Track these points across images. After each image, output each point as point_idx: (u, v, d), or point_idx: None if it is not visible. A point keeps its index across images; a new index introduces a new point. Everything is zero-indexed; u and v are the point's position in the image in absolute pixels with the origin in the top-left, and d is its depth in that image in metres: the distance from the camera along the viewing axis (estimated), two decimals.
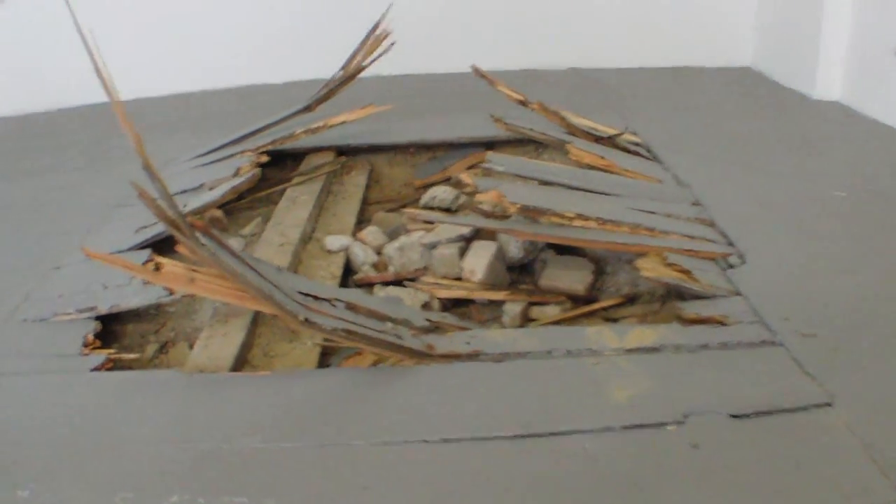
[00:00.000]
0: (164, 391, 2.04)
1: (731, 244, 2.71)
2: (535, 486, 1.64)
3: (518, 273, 3.03)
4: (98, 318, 2.44)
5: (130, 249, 2.77)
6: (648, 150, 3.58)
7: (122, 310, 2.45)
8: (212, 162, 3.46)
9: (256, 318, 2.44)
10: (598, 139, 3.45)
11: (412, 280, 2.85)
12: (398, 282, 2.86)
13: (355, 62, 3.52)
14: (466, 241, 2.97)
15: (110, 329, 2.53)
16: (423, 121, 4.11)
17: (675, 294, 2.63)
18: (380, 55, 3.49)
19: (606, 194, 2.92)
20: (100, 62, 1.69)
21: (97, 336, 2.37)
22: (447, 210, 3.64)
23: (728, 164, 3.48)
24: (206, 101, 4.96)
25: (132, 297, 2.44)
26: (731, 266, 2.59)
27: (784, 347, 2.10)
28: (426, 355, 2.06)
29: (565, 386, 1.99)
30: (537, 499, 1.61)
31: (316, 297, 2.07)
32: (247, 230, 3.12)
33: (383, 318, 2.15)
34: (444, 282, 2.81)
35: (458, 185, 3.77)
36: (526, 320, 2.77)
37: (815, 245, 2.69)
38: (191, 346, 2.51)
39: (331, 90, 3.55)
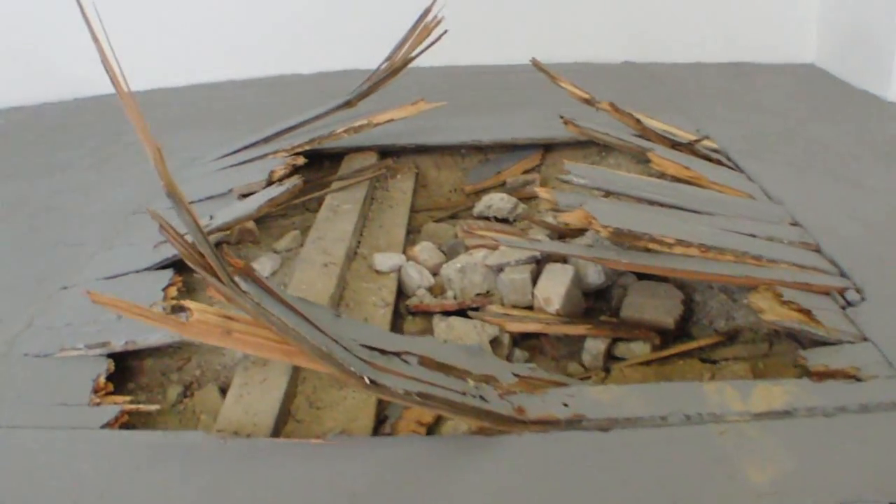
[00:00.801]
0: (191, 461, 1.62)
1: (843, 275, 2.27)
2: None
3: (594, 300, 2.59)
4: (111, 355, 2.02)
5: (148, 269, 2.34)
6: (728, 158, 3.12)
7: (140, 347, 2.03)
8: (241, 162, 3.02)
9: None
10: (675, 145, 2.99)
11: (476, 309, 2.41)
12: (461, 311, 2.42)
13: (402, 52, 3.07)
14: (537, 263, 2.52)
15: (125, 364, 2.12)
16: (473, 119, 3.64)
17: (785, 334, 2.20)
18: (430, 45, 3.03)
19: (699, 213, 2.46)
20: (106, 48, 1.26)
21: (110, 377, 1.95)
22: (505, 220, 3.20)
23: (816, 174, 3.03)
24: (232, 93, 4.50)
25: (152, 331, 2.01)
26: (849, 303, 2.15)
27: None
28: (517, 422, 1.62)
29: (690, 465, 1.57)
30: None
31: (383, 351, 1.63)
32: (282, 244, 2.68)
33: (463, 374, 1.70)
34: (515, 312, 2.36)
35: (516, 191, 3.33)
36: (609, 358, 2.34)
37: None
38: (221, 390, 2.09)
39: (375, 84, 3.10)
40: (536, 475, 1.55)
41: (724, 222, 2.43)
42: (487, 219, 3.21)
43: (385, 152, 3.36)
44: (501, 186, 3.44)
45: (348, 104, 3.14)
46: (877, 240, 2.50)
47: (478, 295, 2.56)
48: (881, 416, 1.71)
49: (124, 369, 2.10)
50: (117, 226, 2.72)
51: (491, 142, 3.41)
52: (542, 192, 2.33)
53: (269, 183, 2.75)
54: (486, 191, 3.43)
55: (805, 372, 1.89)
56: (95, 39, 1.27)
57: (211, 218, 2.47)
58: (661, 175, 2.76)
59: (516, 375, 1.79)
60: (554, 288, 2.41)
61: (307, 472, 1.57)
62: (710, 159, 3.02)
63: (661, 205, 2.46)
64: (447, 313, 2.41)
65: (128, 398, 1.91)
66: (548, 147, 3.52)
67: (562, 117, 2.99)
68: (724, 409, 1.71)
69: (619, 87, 4.14)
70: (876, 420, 1.71)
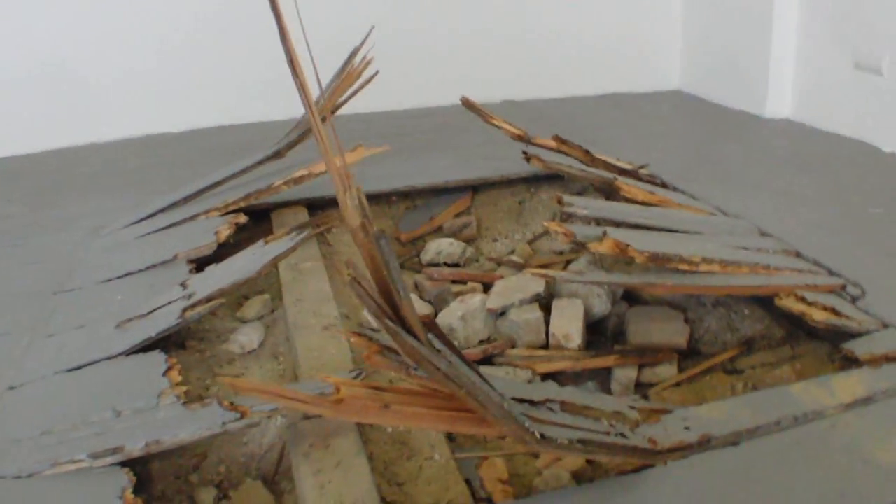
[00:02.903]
0: None
1: (832, 273, 2.57)
2: None
3: (590, 332, 2.68)
4: (125, 463, 1.77)
5: (124, 353, 2.08)
6: (662, 182, 3.40)
7: (165, 448, 1.79)
8: (167, 226, 2.78)
9: (362, 433, 1.90)
10: (622, 172, 3.21)
11: (497, 355, 2.41)
12: (486, 359, 2.40)
13: (331, 97, 3.02)
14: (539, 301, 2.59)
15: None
16: (397, 164, 3.65)
17: (806, 334, 2.44)
18: (361, 87, 3.02)
19: (688, 232, 2.67)
20: None
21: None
22: (456, 265, 3.24)
23: (745, 189, 3.38)
24: (102, 156, 4.16)
25: (177, 425, 1.78)
26: (853, 298, 2.43)
27: None
28: (657, 453, 1.65)
29: (824, 459, 1.69)
30: None
31: (532, 402, 1.59)
32: (250, 312, 2.50)
33: (598, 414, 1.71)
34: (540, 353, 2.40)
35: (457, 235, 3.38)
36: (636, 386, 2.44)
37: None
38: (266, 482, 1.90)
39: (304, 132, 3.02)
40: (696, 498, 1.59)
41: (718, 239, 2.65)
42: (438, 265, 3.23)
43: (312, 206, 3.27)
44: (438, 231, 3.48)
45: (277, 154, 3.03)
46: (842, 240, 2.83)
47: (480, 342, 2.57)
48: None
49: None
50: (42, 309, 2.39)
51: (425, 186, 3.44)
52: (554, 227, 2.40)
53: (219, 244, 2.58)
54: (421, 238, 3.45)
55: (852, 362, 2.11)
56: None
57: (184, 288, 2.25)
58: (630, 202, 2.95)
59: (633, 408, 1.82)
60: (571, 323, 2.48)
61: None
62: (654, 184, 3.27)
63: (656, 229, 2.63)
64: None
65: None
66: (475, 188, 3.62)
67: (524, 153, 3.10)
68: (821, 405, 1.86)
69: (521, 124, 4.36)
70: None
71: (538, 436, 1.43)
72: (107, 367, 2.03)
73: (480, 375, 1.39)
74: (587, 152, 3.16)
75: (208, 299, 2.14)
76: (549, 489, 1.78)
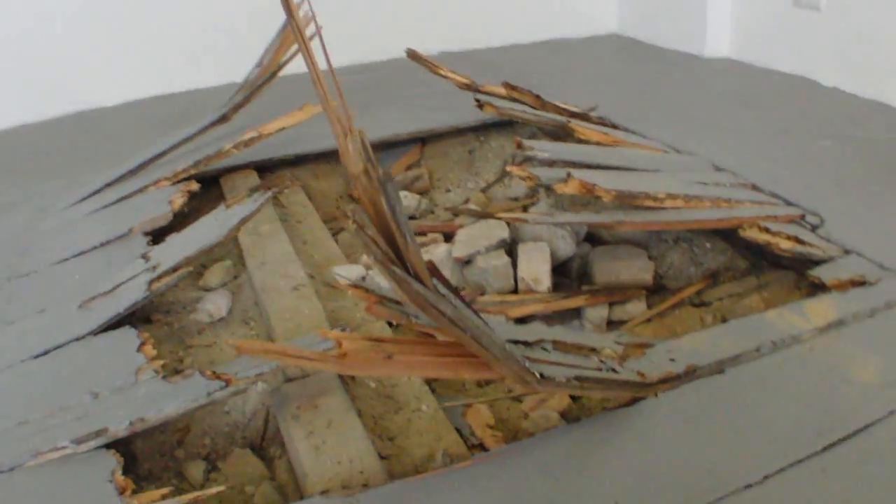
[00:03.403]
0: None
1: (789, 204, 2.65)
2: None
3: (555, 275, 2.72)
4: (111, 445, 1.73)
5: (93, 333, 2.02)
6: (612, 124, 3.44)
7: (151, 425, 1.75)
8: (116, 201, 2.70)
9: (347, 390, 1.90)
10: (573, 115, 3.23)
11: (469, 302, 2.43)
12: None
13: (273, 57, 2.96)
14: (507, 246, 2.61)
15: None
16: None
17: (770, 264, 2.53)
18: (305, 44, 2.95)
19: (648, 171, 2.71)
20: None
21: None
22: (413, 217, 3.24)
23: (695, 127, 3.45)
24: (33, 137, 3.97)
25: (165, 401, 1.75)
26: (813, 226, 2.52)
27: None
28: (648, 386, 1.70)
29: (808, 380, 1.79)
30: None
31: (526, 343, 1.61)
32: (213, 279, 2.45)
33: (589, 351, 1.74)
34: (512, 298, 2.43)
35: (409, 187, 3.38)
36: (608, 324, 2.49)
37: (875, 185, 2.75)
38: (254, 449, 1.89)
39: (250, 94, 2.94)
40: (690, 426, 1.64)
41: (677, 176, 2.71)
42: None
43: (261, 168, 3.20)
44: None
45: (223, 118, 2.95)
46: (795, 172, 2.91)
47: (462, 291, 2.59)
48: None
49: None
50: None
51: (375, 141, 3.39)
52: (517, 171, 2.42)
53: (174, 214, 2.52)
54: None
55: (818, 288, 2.20)
56: None
57: (147, 260, 2.19)
58: (586, 143, 2.98)
59: (619, 344, 1.87)
60: (539, 266, 2.52)
61: (483, 495, 1.51)
62: (605, 125, 3.31)
63: (617, 168, 2.67)
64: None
65: (165, 491, 1.64)
66: (423, 140, 3.61)
67: (477, 100, 3.09)
68: (797, 330, 1.94)
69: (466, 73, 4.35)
70: None
71: (538, 376, 1.45)
72: (76, 349, 1.97)
73: (482, 319, 1.40)
74: (538, 97, 3.17)
75: (174, 269, 2.09)
76: (539, 430, 1.82)
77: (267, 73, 2.93)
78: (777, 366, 1.83)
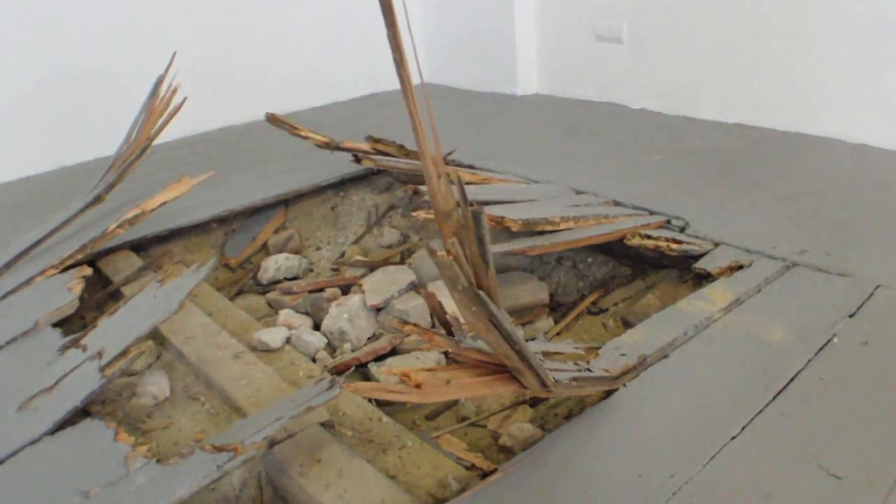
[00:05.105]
0: None
1: (652, 213, 3.07)
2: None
3: None
4: None
5: (49, 433, 1.95)
6: (469, 164, 3.76)
7: None
8: (6, 295, 2.57)
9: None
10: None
11: (398, 345, 2.60)
12: (393, 352, 2.57)
13: (143, 130, 2.98)
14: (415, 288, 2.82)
15: None
16: (209, 190, 3.60)
17: (651, 266, 2.92)
18: (172, 115, 3.00)
19: (527, 201, 3.04)
20: None
21: None
22: (295, 278, 3.36)
23: (534, 158, 3.84)
24: None
25: (165, 485, 1.75)
26: (681, 228, 2.94)
27: (801, 266, 2.58)
28: (616, 379, 1.98)
29: (737, 351, 2.13)
30: None
31: None
32: (140, 363, 2.43)
33: (564, 357, 1.99)
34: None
35: (284, 250, 3.48)
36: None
37: (713, 185, 3.26)
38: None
39: (123, 171, 2.93)
40: (662, 402, 1.93)
41: (553, 202, 3.05)
42: (279, 281, 3.31)
43: (136, 247, 3.17)
44: (263, 250, 3.54)
45: (98, 200, 2.91)
46: (642, 185, 3.35)
47: (369, 339, 2.75)
48: (777, 281, 2.52)
49: None
50: None
51: (242, 207, 3.47)
52: (423, 215, 2.63)
53: (80, 300, 2.48)
54: (248, 260, 3.50)
55: (703, 278, 2.62)
56: None
57: (84, 349, 2.15)
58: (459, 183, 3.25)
59: (578, 349, 2.12)
60: (451, 302, 2.74)
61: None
62: (462, 167, 3.62)
63: (500, 202, 2.96)
64: (380, 358, 2.56)
65: None
66: (286, 202, 3.73)
67: (354, 155, 3.26)
68: (709, 313, 2.31)
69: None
70: (779, 283, 2.50)
71: (553, 381, 1.68)
72: (38, 452, 1.90)
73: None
74: (402, 146, 3.42)
75: (124, 352, 2.08)
76: (521, 442, 2.03)
77: (138, 149, 2.93)
78: (707, 343, 2.17)
